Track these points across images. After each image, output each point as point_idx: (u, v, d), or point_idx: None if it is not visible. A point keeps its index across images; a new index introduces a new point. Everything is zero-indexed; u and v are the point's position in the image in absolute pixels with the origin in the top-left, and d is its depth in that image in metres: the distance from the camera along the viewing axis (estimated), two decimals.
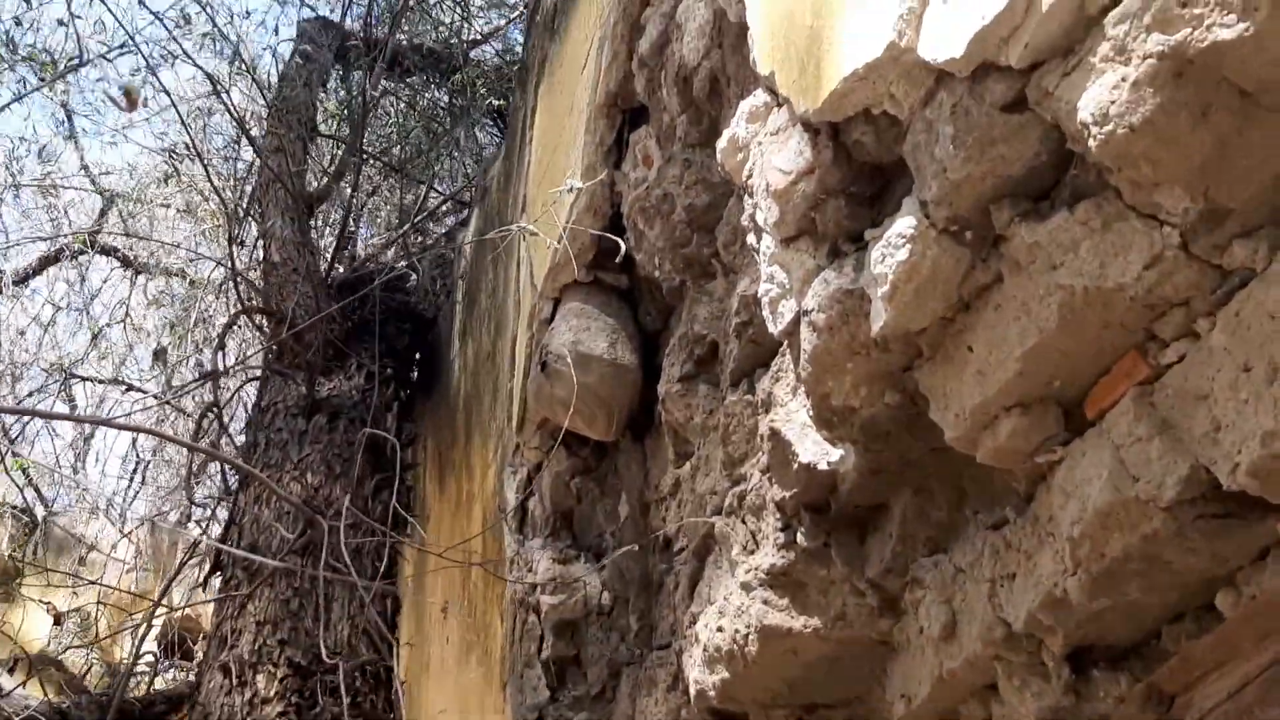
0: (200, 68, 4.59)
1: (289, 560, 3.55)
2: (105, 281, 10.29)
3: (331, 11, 6.16)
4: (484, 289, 4.48)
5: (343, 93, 5.97)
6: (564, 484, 3.61)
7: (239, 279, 4.54)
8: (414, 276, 5.37)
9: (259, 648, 3.63)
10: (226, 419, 4.29)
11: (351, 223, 5.47)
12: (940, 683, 2.26)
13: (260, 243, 4.91)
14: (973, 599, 2.16)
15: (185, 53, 4.73)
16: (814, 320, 2.09)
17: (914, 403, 2.12)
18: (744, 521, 2.71)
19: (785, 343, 2.48)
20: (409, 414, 4.91)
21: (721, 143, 2.49)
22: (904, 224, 1.86)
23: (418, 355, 5.38)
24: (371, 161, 5.65)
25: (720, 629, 2.64)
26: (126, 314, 9.26)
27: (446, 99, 5.88)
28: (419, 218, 5.46)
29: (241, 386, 5.12)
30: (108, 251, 10.07)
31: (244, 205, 5.09)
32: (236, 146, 5.42)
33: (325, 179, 5.51)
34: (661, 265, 3.04)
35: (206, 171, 4.46)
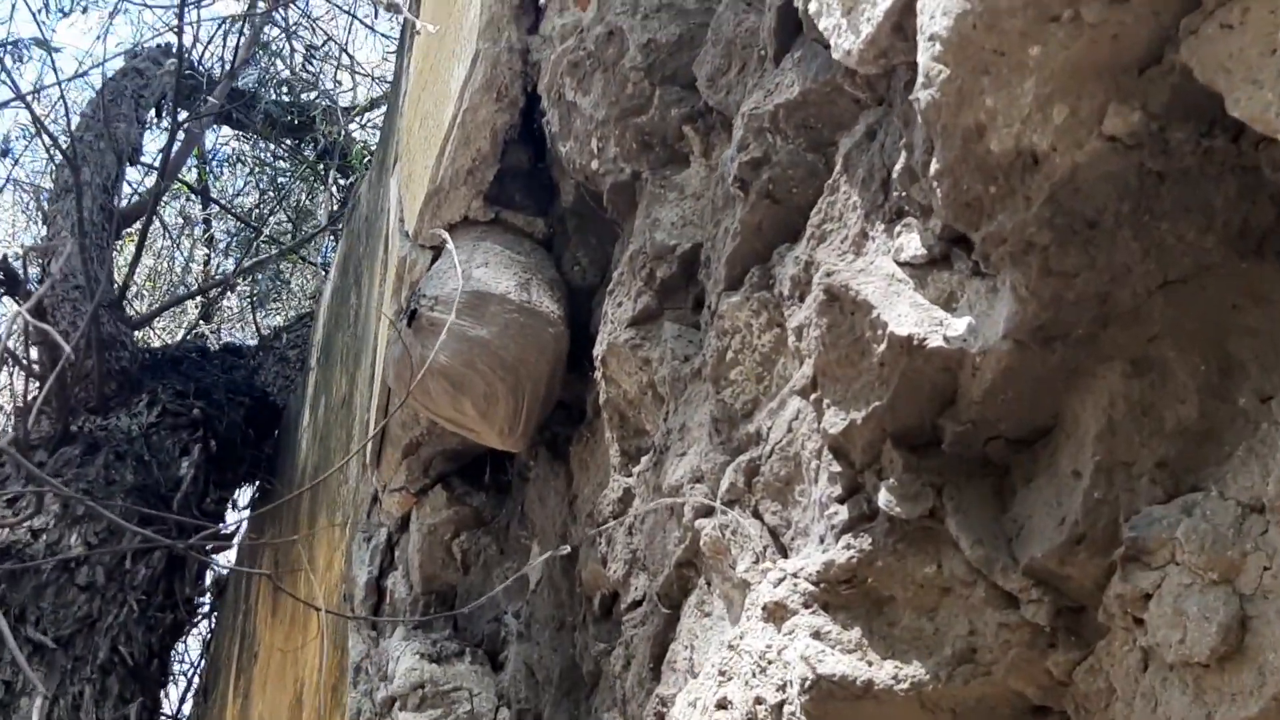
0: None
1: None
2: None
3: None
4: (344, 325, 3.32)
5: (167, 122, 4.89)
6: (442, 545, 2.38)
7: None
8: (260, 354, 4.19)
9: None
10: None
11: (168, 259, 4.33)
12: None
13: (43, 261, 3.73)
14: None
15: None
16: None
17: (1162, 134, 1.02)
18: (757, 513, 1.53)
19: (841, 164, 1.40)
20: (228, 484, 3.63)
21: None
22: None
23: (256, 453, 4.12)
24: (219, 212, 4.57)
25: (725, 703, 1.43)
26: None
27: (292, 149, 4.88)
28: (251, 261, 4.34)
29: None
30: None
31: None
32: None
33: (136, 200, 4.38)
34: (603, 150, 1.94)
35: None
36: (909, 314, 1.24)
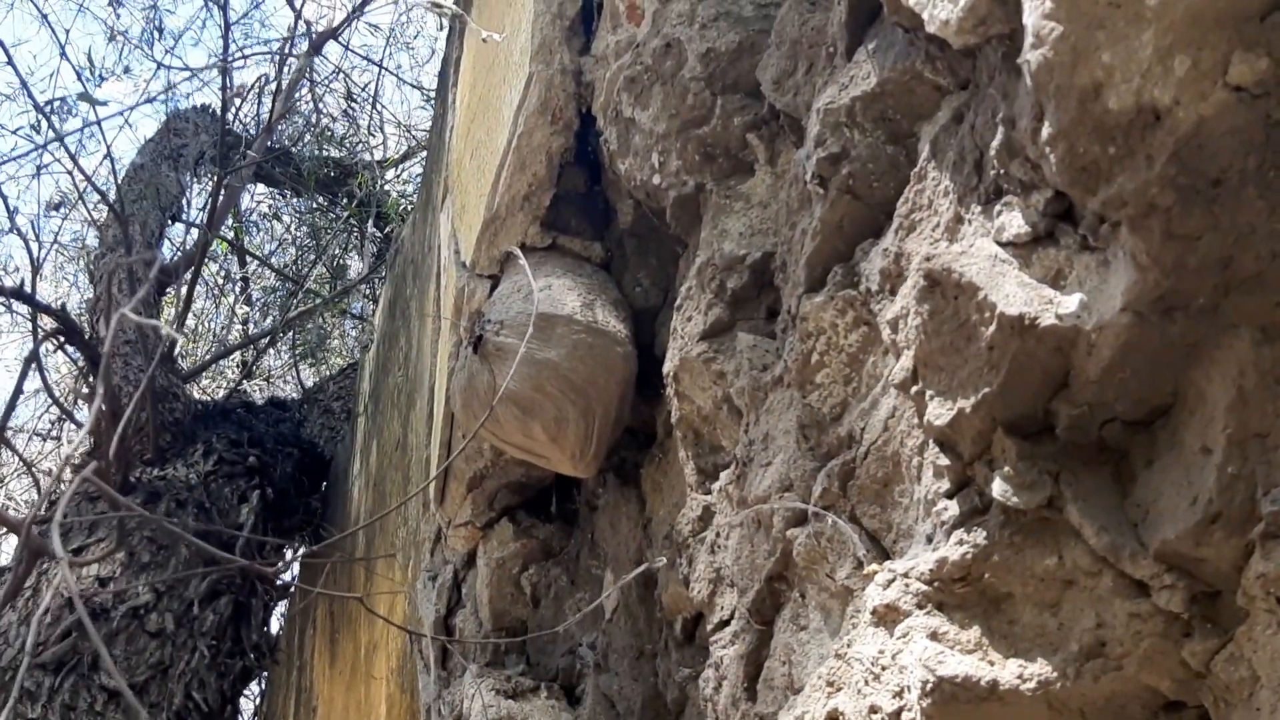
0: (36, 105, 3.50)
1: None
2: None
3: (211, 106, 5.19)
4: (394, 369, 3.29)
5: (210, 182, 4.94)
6: (511, 579, 2.33)
7: (40, 309, 3.29)
8: (304, 407, 4.18)
9: None
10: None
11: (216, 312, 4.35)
12: None
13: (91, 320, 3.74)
14: None
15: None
16: None
17: None
18: (854, 518, 1.48)
19: (924, 167, 1.37)
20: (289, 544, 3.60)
21: None
22: None
23: (308, 503, 4.10)
24: (258, 269, 4.60)
25: (836, 715, 1.37)
26: None
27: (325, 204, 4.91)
28: (294, 312, 4.35)
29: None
30: None
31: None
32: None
33: (179, 257, 4.41)
34: (665, 164, 1.91)
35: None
36: (1017, 294, 1.19)
